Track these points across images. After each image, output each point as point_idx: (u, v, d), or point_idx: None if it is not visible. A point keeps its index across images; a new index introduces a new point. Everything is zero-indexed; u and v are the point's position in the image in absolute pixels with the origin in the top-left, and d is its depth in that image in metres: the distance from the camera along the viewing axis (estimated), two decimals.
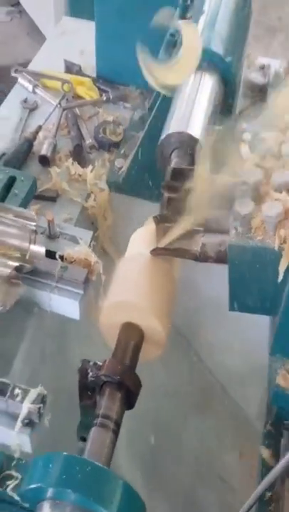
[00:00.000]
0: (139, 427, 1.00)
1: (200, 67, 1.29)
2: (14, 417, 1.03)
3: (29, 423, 1.02)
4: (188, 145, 1.17)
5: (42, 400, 1.02)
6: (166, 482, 1.55)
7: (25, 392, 1.03)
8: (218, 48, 1.31)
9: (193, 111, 1.22)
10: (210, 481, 1.57)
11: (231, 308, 0.92)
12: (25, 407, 0.97)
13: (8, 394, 1.02)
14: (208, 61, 1.29)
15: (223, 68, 1.30)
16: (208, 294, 1.57)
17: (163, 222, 0.94)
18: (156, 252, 0.92)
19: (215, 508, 1.52)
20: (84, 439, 0.88)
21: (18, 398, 1.02)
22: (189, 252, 0.90)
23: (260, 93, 1.88)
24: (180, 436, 1.60)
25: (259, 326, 1.23)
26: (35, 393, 1.02)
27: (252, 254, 0.85)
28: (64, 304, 1.23)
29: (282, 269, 0.84)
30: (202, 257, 0.91)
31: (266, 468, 0.96)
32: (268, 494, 0.91)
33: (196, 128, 1.19)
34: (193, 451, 1.60)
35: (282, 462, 0.72)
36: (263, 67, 1.96)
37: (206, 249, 0.90)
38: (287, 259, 0.83)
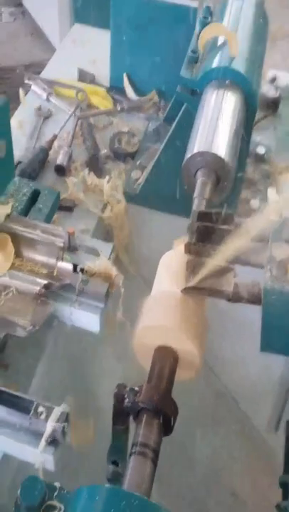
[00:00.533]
0: None
1: (222, 85, 1.30)
2: (37, 434, 1.02)
3: (52, 441, 1.02)
4: (213, 164, 1.17)
5: (66, 418, 1.02)
6: (176, 492, 1.56)
7: (49, 410, 1.02)
8: (239, 66, 1.31)
9: (217, 130, 1.23)
10: (220, 493, 1.58)
11: (263, 349, 0.92)
12: (50, 426, 0.97)
13: (32, 412, 1.02)
14: (231, 80, 1.30)
15: (246, 86, 1.31)
16: (223, 307, 1.58)
17: (193, 251, 0.93)
18: (187, 291, 0.91)
19: None
20: (115, 463, 0.88)
21: (42, 416, 1.02)
22: (221, 293, 0.90)
23: (272, 106, 1.89)
24: (191, 447, 1.61)
25: None
26: (59, 411, 1.02)
27: (287, 298, 0.84)
28: (85, 318, 1.23)
29: None
30: (235, 298, 0.90)
31: None
32: None
33: (221, 147, 1.19)
34: (204, 463, 1.61)
35: None
36: (274, 80, 1.97)
37: (238, 290, 0.89)
38: None
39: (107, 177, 1.57)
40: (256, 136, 1.77)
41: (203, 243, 0.95)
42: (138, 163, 1.63)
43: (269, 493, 1.25)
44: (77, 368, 1.43)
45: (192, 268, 0.92)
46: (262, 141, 1.75)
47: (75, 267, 1.23)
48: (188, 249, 0.94)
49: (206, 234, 0.96)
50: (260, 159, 1.70)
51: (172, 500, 1.52)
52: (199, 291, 0.91)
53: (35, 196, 1.24)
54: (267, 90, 1.92)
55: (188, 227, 0.98)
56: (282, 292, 0.84)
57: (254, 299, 0.89)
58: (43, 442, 1.00)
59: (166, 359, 0.88)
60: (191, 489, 1.61)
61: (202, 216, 0.98)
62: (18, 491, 0.72)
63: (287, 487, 1.15)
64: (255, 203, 1.60)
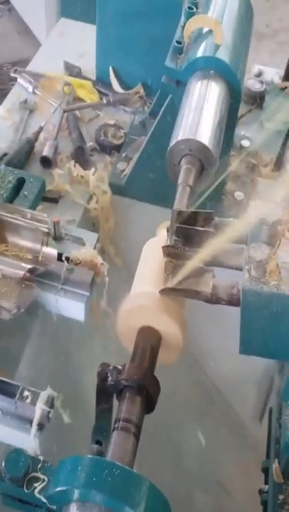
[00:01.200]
0: None
1: (207, 75, 1.31)
2: (22, 419, 1.03)
3: (38, 425, 1.02)
4: (198, 152, 1.18)
5: (51, 402, 1.02)
6: (162, 482, 1.56)
7: (35, 394, 1.03)
8: (224, 56, 1.32)
9: (201, 118, 1.23)
10: (206, 483, 1.59)
11: (242, 352, 0.90)
12: (39, 409, 0.97)
13: (18, 396, 1.03)
14: (215, 69, 1.31)
15: (230, 76, 1.32)
16: None
17: (171, 254, 0.92)
18: (165, 292, 0.90)
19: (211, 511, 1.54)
20: (99, 442, 0.89)
21: (28, 400, 1.03)
22: (200, 294, 0.88)
23: (257, 100, 1.91)
24: (177, 438, 1.62)
25: None
26: (46, 395, 1.03)
27: (267, 300, 0.83)
28: (70, 306, 1.24)
29: None
30: (213, 299, 0.89)
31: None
32: (281, 497, 0.93)
33: (205, 135, 1.21)
34: (190, 454, 1.62)
35: None
36: (259, 75, 1.99)
37: (217, 292, 0.88)
38: None
39: (93, 169, 1.58)
40: (241, 130, 1.79)
41: (182, 246, 0.93)
42: (124, 155, 1.64)
43: (254, 481, 1.26)
44: (64, 356, 1.44)
45: (170, 269, 0.90)
46: (247, 134, 1.77)
47: (60, 255, 1.24)
48: (166, 252, 0.92)
49: (185, 236, 0.94)
50: (245, 152, 1.72)
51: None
52: (177, 293, 0.90)
53: (20, 184, 1.25)
54: (252, 84, 1.94)
55: (172, 213, 0.97)
56: (260, 293, 0.82)
57: (233, 301, 0.87)
58: (34, 426, 1.00)
59: (150, 339, 0.88)
60: (177, 479, 1.62)
61: (181, 215, 0.95)
62: (3, 463, 0.73)
63: (269, 472, 1.16)
64: (239, 195, 1.61)
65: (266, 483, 1.22)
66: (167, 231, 0.95)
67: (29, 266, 1.08)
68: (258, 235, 0.88)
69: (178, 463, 1.65)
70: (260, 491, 1.24)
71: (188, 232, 0.93)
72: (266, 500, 1.18)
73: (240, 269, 0.87)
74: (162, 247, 0.92)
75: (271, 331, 0.86)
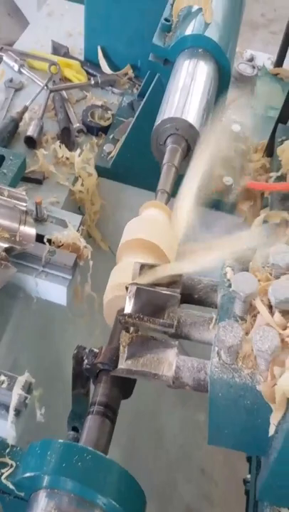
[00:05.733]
0: (120, 418, 0.98)
1: (195, 54, 1.27)
2: None
3: (15, 412, 0.99)
4: (184, 131, 1.14)
5: (29, 387, 0.99)
6: (146, 473, 1.54)
7: (11, 379, 1.00)
8: (213, 34, 1.28)
9: (188, 97, 1.20)
10: (189, 469, 1.56)
11: (210, 442, 0.78)
12: (16, 395, 0.94)
13: None
14: (204, 48, 1.27)
15: (219, 55, 1.28)
16: None
17: (130, 323, 0.77)
18: (118, 373, 0.75)
19: (195, 499, 1.51)
20: (75, 429, 0.85)
21: (4, 385, 0.99)
22: (161, 378, 0.74)
23: (249, 84, 1.88)
24: (161, 425, 1.59)
25: None
26: (23, 380, 0.99)
27: (239, 392, 0.69)
28: (51, 290, 1.20)
29: (274, 421, 0.68)
30: (176, 384, 0.75)
31: None
32: None
33: (192, 114, 1.17)
34: (174, 441, 1.59)
35: None
36: (251, 60, 1.96)
37: (181, 376, 0.74)
38: (280, 412, 0.67)
39: (79, 150, 1.54)
40: (232, 114, 1.75)
41: (140, 316, 0.77)
42: (111, 137, 1.60)
43: (237, 468, 1.24)
44: (45, 341, 1.40)
45: (127, 341, 0.76)
46: (237, 119, 1.73)
47: (41, 237, 1.20)
48: (122, 321, 0.77)
49: (146, 299, 0.78)
50: (236, 137, 1.68)
51: (140, 475, 1.50)
52: (133, 375, 0.75)
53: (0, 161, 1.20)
54: (244, 69, 1.90)
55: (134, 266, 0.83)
56: (231, 385, 0.69)
57: (200, 387, 0.74)
58: (11, 412, 0.97)
59: None
60: (160, 467, 1.59)
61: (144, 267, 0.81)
62: None
63: (252, 461, 1.14)
64: (228, 180, 1.58)
65: (250, 471, 1.19)
66: (126, 289, 0.80)
67: (5, 245, 1.04)
68: (229, 308, 0.74)
69: (161, 450, 1.62)
70: (245, 481, 1.21)
71: (151, 294, 0.78)
72: (250, 490, 1.15)
73: (210, 343, 0.74)
74: (117, 316, 0.79)
75: (244, 425, 0.73)
